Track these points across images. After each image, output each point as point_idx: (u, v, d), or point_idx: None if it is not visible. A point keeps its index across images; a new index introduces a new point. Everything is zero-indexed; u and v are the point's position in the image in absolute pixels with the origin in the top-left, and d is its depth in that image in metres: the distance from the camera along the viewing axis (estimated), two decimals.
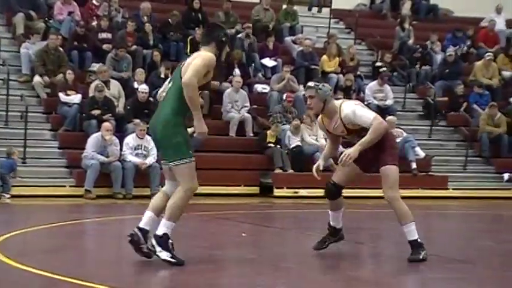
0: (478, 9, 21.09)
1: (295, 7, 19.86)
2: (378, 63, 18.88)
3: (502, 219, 13.33)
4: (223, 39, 6.53)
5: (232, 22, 18.44)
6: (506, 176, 16.73)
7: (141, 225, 6.48)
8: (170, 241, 6.32)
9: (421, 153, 16.23)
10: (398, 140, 16.10)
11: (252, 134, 15.93)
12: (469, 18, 21.28)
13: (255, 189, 15.05)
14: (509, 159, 17.01)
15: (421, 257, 6.83)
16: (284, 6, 19.66)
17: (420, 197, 14.93)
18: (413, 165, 15.81)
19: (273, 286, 5.94)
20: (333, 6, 20.78)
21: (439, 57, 19.34)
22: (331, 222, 7.42)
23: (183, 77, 6.21)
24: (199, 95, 6.58)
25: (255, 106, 16.42)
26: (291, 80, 16.73)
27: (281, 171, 15.07)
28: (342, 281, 6.29)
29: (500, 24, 21.09)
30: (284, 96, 16.12)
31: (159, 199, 6.61)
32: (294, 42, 18.77)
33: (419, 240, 6.90)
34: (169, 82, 6.58)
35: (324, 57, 18.10)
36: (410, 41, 19.84)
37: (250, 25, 18.28)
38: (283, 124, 15.80)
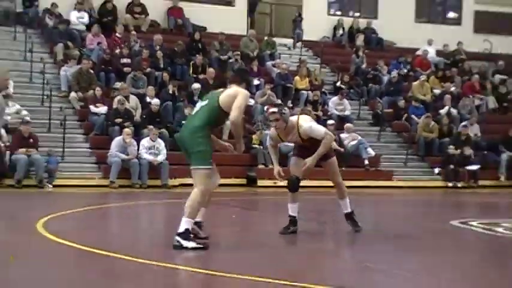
0: (414, 41, 21.18)
1: (274, 39, 19.87)
2: (338, 83, 18.89)
3: (434, 204, 13.34)
4: (250, 81, 6.52)
5: (225, 50, 18.43)
6: (436, 170, 16.79)
7: (196, 219, 6.31)
8: (196, 230, 6.10)
9: (372, 153, 16.24)
10: (354, 142, 16.17)
11: None
12: (408, 48, 21.30)
13: (243, 181, 15.04)
14: (439, 157, 17.05)
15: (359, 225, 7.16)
16: (265, 38, 19.66)
17: (371, 187, 15.03)
18: (366, 162, 15.88)
19: (254, 257, 5.87)
20: (303, 38, 20.77)
21: (385, 78, 19.37)
22: (291, 213, 7.20)
23: (222, 106, 6.07)
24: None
25: (243, 116, 16.35)
26: (271, 95, 16.76)
27: (263, 166, 15.08)
28: (308, 252, 6.23)
29: (431, 53, 21.18)
30: (265, 108, 16.10)
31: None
32: (274, 66, 18.75)
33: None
34: (203, 100, 6.37)
35: (297, 77, 18.10)
36: (363, 66, 19.86)
37: (239, 52, 18.29)
38: (265, 130, 15.78)
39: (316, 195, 13.37)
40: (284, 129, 6.82)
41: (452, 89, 19.28)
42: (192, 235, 5.95)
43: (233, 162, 15.31)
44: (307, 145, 6.86)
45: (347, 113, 17.56)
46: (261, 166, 15.08)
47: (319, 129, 6.82)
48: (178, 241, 5.90)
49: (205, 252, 5.98)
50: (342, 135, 16.22)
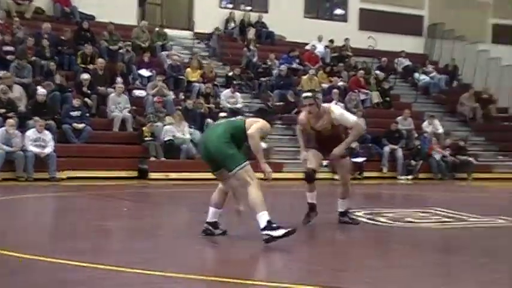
0: (303, 36, 21.59)
1: (166, 30, 19.66)
2: (230, 75, 18.95)
3: (322, 195, 13.60)
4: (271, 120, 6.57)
5: (115, 40, 18.04)
6: (324, 162, 17.12)
7: (209, 220, 6.31)
8: (274, 225, 5.90)
9: (264, 145, 16.36)
10: None
11: (131, 130, 15.66)
12: (298, 43, 21.67)
13: (134, 173, 14.79)
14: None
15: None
16: (157, 29, 19.41)
17: (261, 179, 15.11)
18: None
19: (148, 249, 5.78)
20: (195, 30, 20.67)
21: (275, 72, 19.62)
22: (310, 200, 7.33)
23: (246, 126, 6.14)
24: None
25: (134, 107, 16.17)
26: (162, 87, 16.60)
27: (155, 159, 14.89)
28: (202, 244, 6.20)
29: (320, 49, 21.66)
30: (155, 99, 16.00)
31: (216, 195, 6.38)
32: (165, 57, 18.56)
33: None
34: (227, 119, 6.55)
35: (188, 69, 18.00)
36: (255, 59, 20.03)
37: (130, 43, 17.97)
38: (156, 122, 15.61)
39: (209, 187, 13.36)
40: (316, 114, 6.89)
41: (340, 83, 19.80)
42: (274, 224, 5.80)
43: (124, 154, 15.08)
44: (331, 135, 6.98)
45: (239, 105, 17.64)
46: (152, 158, 14.88)
47: (350, 117, 7.03)
48: (267, 234, 5.75)
49: (97, 245, 5.82)
50: None
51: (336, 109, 7.09)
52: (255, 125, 6.12)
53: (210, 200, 6.41)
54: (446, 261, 5.66)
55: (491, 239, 6.91)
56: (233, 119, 6.43)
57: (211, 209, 6.36)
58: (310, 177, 7.18)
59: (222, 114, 16.32)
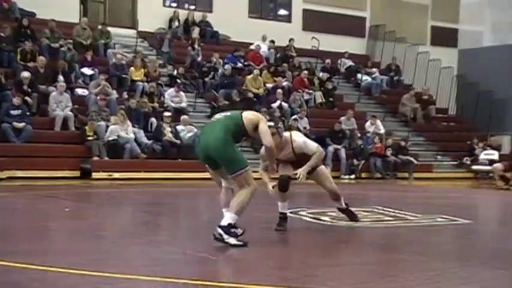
0: (248, 36, 21.67)
1: (109, 28, 19.43)
2: (174, 74, 18.86)
3: (265, 195, 13.69)
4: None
5: (57, 38, 17.75)
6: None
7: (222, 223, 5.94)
8: (240, 230, 5.85)
9: None
10: (190, 134, 16.21)
11: (74, 129, 15.45)
12: (242, 43, 21.75)
13: (76, 173, 14.59)
14: None
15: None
16: (100, 27, 19.16)
17: (208, 178, 15.06)
18: None
19: (90, 250, 5.73)
20: (138, 29, 20.50)
21: (220, 71, 19.62)
22: (282, 210, 7.09)
23: (245, 123, 6.01)
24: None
25: (76, 106, 15.95)
26: (105, 86, 16.43)
27: (98, 158, 14.73)
28: (147, 244, 6.18)
29: (264, 48, 21.79)
30: (98, 97, 15.82)
31: (224, 196, 6.17)
32: (110, 55, 18.35)
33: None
34: (224, 113, 6.23)
35: (132, 68, 17.85)
36: (199, 58, 20.00)
37: (71, 41, 17.70)
38: (99, 121, 15.43)
39: (154, 187, 13.30)
40: (279, 144, 6.67)
41: (284, 83, 19.95)
42: (232, 230, 5.75)
43: (66, 154, 14.87)
44: (297, 161, 6.91)
45: (183, 105, 17.60)
46: (95, 158, 14.71)
47: (312, 144, 6.99)
48: (220, 234, 5.69)
49: (39, 246, 5.74)
50: (178, 127, 16.24)
51: (298, 137, 7.00)
52: (263, 130, 6.00)
53: (220, 202, 6.23)
54: (386, 259, 5.79)
55: (431, 238, 7.10)
56: (229, 114, 6.13)
57: (224, 211, 6.07)
58: (284, 185, 6.93)
59: (166, 114, 16.27)
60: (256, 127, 6.02)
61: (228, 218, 5.81)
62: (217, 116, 6.25)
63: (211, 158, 5.98)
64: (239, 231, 5.98)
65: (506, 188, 15.69)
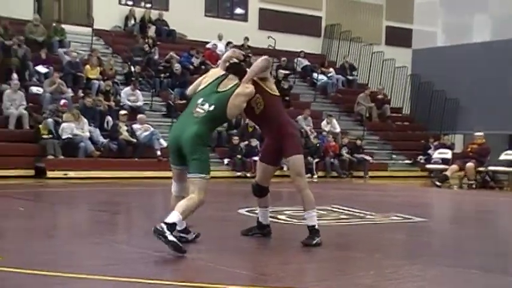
0: (204, 35, 21.60)
1: (64, 25, 19.16)
2: (130, 72, 18.71)
3: (223, 193, 13.70)
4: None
5: (10, 35, 17.43)
6: (225, 160, 17.31)
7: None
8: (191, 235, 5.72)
9: (164, 143, 16.22)
10: (146, 133, 16.10)
11: (28, 127, 15.20)
12: (199, 42, 21.69)
13: (31, 172, 14.36)
14: (227, 148, 17.53)
15: (313, 242, 5.98)
16: (54, 24, 18.88)
17: (163, 177, 14.96)
18: (158, 153, 15.88)
19: (43, 249, 5.63)
20: (94, 27, 20.26)
21: (176, 70, 19.51)
22: (259, 218, 6.51)
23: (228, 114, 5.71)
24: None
25: (31, 104, 15.71)
26: (60, 84, 16.24)
27: (53, 157, 14.53)
28: (101, 244, 6.10)
29: (220, 47, 21.75)
30: (61, 103, 15.48)
31: (175, 201, 5.71)
32: (65, 53, 18.09)
33: (317, 227, 6.09)
34: (208, 98, 5.72)
35: (87, 66, 17.64)
36: (156, 57, 19.87)
37: (23, 38, 17.38)
38: (49, 118, 15.20)
39: (109, 186, 13.15)
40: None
41: None
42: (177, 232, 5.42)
43: (20, 152, 14.63)
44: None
45: (140, 103, 17.46)
46: (50, 157, 14.49)
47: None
48: (162, 228, 5.20)
49: None
50: (135, 126, 16.11)
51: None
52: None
53: (170, 209, 5.82)
54: (341, 257, 5.83)
55: (386, 235, 7.18)
56: (211, 108, 5.63)
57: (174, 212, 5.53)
58: (255, 191, 6.37)
59: (122, 112, 16.12)
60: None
61: (174, 216, 5.38)
62: (199, 101, 5.75)
63: (181, 154, 5.61)
64: (191, 236, 5.85)
65: (459, 187, 16.00)
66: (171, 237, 5.23)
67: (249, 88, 5.86)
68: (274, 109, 6.05)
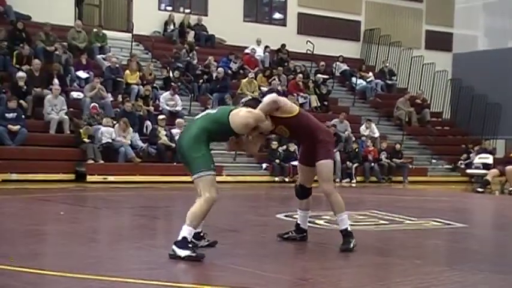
0: (243, 40, 21.69)
1: (104, 31, 19.42)
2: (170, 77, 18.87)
3: (261, 198, 13.75)
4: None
5: (52, 41, 17.72)
6: (264, 165, 17.33)
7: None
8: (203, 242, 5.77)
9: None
10: None
11: (69, 132, 15.45)
12: (237, 46, 21.76)
13: (72, 176, 14.59)
14: (266, 153, 17.57)
15: (351, 245, 5.99)
16: (95, 30, 19.16)
17: None
18: None
19: (85, 253, 5.72)
20: (134, 32, 20.50)
21: (215, 75, 19.63)
22: (298, 221, 6.59)
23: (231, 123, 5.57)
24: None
25: (71, 109, 15.97)
26: (100, 89, 16.45)
27: (93, 161, 14.72)
28: (141, 248, 6.18)
29: (259, 52, 21.81)
30: (91, 106, 15.74)
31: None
32: (104, 59, 18.34)
33: (349, 229, 6.08)
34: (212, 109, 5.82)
35: (127, 71, 17.85)
36: (194, 62, 20.01)
37: (66, 44, 17.70)
38: (94, 124, 15.44)
39: (148, 190, 13.29)
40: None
41: (279, 87, 19.97)
42: (190, 244, 5.40)
43: (61, 157, 14.86)
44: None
45: (178, 108, 17.61)
46: (90, 161, 14.70)
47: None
48: (173, 250, 5.35)
49: (34, 249, 5.72)
50: (174, 131, 16.23)
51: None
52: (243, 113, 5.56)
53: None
54: (381, 263, 5.80)
55: (426, 241, 7.11)
56: (213, 111, 5.69)
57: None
58: (297, 193, 6.48)
59: (161, 117, 16.28)
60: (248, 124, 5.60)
61: (183, 231, 5.43)
62: (201, 114, 5.86)
63: (183, 159, 5.62)
64: (203, 242, 5.84)
65: (500, 192, 15.74)
66: (183, 254, 5.33)
67: (251, 120, 5.63)
68: (300, 126, 6.06)
